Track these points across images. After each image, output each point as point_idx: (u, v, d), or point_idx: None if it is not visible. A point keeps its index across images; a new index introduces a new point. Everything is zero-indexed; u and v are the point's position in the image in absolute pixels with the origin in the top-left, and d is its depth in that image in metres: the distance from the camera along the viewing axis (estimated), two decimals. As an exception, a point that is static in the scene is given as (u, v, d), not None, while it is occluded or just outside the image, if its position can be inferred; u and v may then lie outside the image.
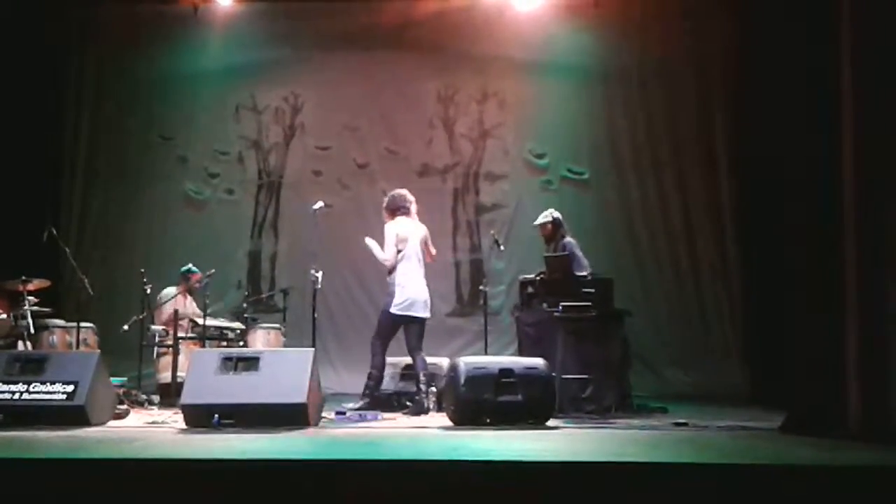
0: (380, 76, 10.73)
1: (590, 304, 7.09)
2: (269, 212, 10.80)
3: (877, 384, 5.35)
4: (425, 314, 7.33)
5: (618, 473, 4.23)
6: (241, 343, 7.87)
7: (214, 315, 8.17)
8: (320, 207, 7.52)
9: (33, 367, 6.20)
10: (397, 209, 7.46)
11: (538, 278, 7.65)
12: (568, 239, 7.82)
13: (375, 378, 7.29)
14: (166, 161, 10.76)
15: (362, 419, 6.63)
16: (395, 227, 7.37)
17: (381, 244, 7.33)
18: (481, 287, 8.31)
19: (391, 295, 7.27)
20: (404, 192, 7.61)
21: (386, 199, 7.59)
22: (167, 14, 10.51)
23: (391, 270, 7.31)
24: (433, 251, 7.55)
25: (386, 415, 6.94)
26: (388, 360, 7.98)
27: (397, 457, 4.73)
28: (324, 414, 6.48)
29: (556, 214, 7.92)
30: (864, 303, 5.45)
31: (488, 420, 6.11)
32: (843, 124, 5.63)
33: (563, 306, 7.06)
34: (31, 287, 7.73)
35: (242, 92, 10.83)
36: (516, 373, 6.21)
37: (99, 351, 7.01)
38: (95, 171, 10.72)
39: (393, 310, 7.24)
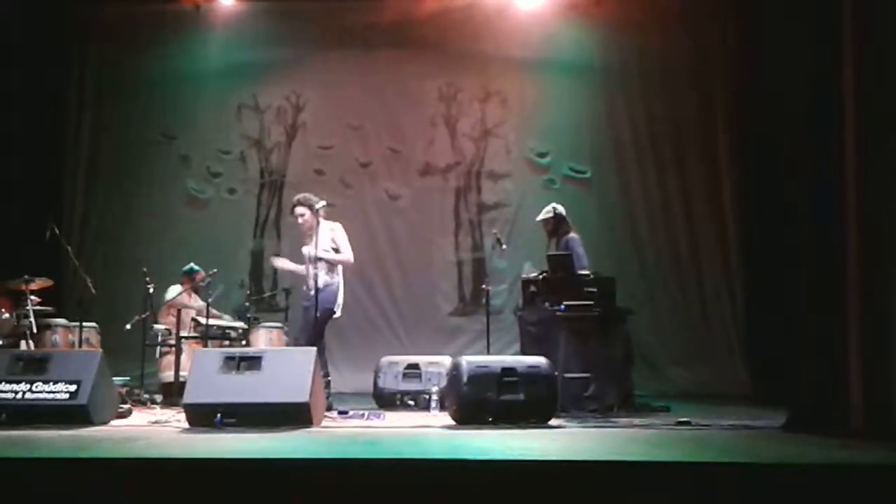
0: (382, 75, 10.75)
1: (592, 303, 7.10)
2: (272, 211, 10.81)
3: (879, 382, 5.35)
4: None
5: (620, 472, 4.23)
6: (244, 342, 7.87)
7: (229, 315, 8.26)
8: (322, 206, 7.52)
9: (36, 367, 6.18)
10: (318, 212, 7.32)
11: (540, 277, 7.65)
12: (571, 235, 7.78)
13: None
14: (168, 160, 10.78)
15: (365, 418, 6.64)
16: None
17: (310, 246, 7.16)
18: (483, 286, 8.32)
19: (333, 294, 7.16)
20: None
21: (307, 202, 7.28)
22: (169, 13, 10.52)
23: (331, 269, 7.21)
24: None
25: (389, 413, 6.95)
26: (390, 359, 8.01)
27: (399, 456, 4.73)
28: (326, 413, 6.49)
29: (560, 209, 7.87)
30: (866, 301, 5.45)
31: (490, 419, 6.10)
32: (844, 124, 5.63)
33: (566, 305, 7.06)
34: (33, 286, 7.74)
35: (244, 91, 10.86)
36: (518, 372, 6.20)
37: (101, 350, 6.99)
38: (97, 170, 10.75)
39: (337, 309, 7.20)
